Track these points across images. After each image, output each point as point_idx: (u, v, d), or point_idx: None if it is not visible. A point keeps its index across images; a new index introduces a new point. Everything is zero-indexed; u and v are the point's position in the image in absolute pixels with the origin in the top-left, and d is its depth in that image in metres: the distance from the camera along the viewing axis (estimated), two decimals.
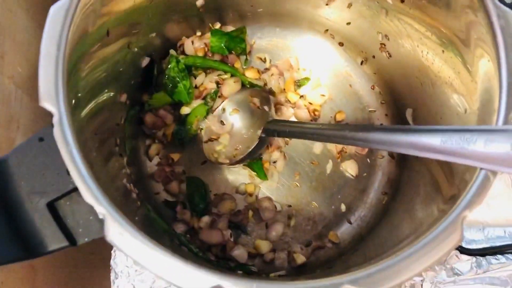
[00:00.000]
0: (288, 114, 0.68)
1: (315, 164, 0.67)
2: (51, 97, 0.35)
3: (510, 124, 0.36)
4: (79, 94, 0.41)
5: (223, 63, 0.67)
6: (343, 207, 0.65)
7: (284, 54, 0.71)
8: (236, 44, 0.66)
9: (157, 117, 0.64)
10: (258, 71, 0.68)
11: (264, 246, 0.62)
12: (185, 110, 0.65)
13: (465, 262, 0.65)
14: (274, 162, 0.67)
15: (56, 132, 0.34)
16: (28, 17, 0.65)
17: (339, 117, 0.68)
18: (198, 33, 0.67)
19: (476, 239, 0.67)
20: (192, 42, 0.66)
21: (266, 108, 0.65)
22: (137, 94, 0.63)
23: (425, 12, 0.49)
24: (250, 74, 0.67)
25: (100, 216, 0.34)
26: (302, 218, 0.65)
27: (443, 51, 0.48)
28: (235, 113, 0.66)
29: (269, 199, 0.65)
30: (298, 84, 0.70)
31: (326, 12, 0.65)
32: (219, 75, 0.66)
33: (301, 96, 0.69)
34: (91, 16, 0.41)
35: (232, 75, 0.67)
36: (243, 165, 0.66)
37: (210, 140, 0.65)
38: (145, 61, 0.61)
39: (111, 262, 0.63)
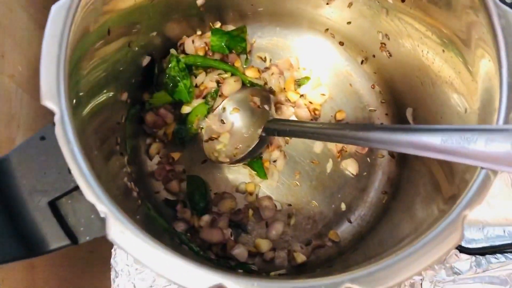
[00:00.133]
0: (288, 113, 0.69)
1: (315, 163, 0.67)
2: (53, 95, 0.35)
3: (510, 123, 0.36)
4: (80, 93, 0.41)
5: (224, 62, 0.67)
6: (343, 206, 0.65)
7: (284, 53, 0.71)
8: (237, 43, 0.66)
9: (157, 116, 0.64)
10: (259, 70, 0.68)
11: (264, 245, 0.62)
12: (185, 109, 0.65)
13: (464, 261, 0.65)
14: (274, 161, 0.67)
15: (58, 130, 0.34)
16: (28, 16, 0.65)
17: (339, 116, 0.68)
18: (199, 32, 0.67)
19: (475, 238, 0.67)
20: (193, 41, 0.66)
21: (266, 107, 0.65)
22: (138, 93, 0.63)
23: (426, 12, 0.49)
24: (251, 73, 0.68)
25: (102, 215, 0.34)
26: (302, 217, 0.65)
27: (443, 50, 0.48)
28: (235, 112, 0.66)
29: (269, 198, 0.65)
30: (298, 83, 0.70)
31: (327, 12, 0.65)
32: (219, 74, 0.66)
33: (301, 95, 0.69)
34: (92, 15, 0.41)
35: (232, 74, 0.67)
36: (243, 164, 0.66)
37: (211, 139, 0.65)
38: (146, 60, 0.61)
39: (112, 260, 0.63)
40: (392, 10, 0.55)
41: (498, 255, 0.66)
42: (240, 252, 0.59)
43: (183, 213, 0.62)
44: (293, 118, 0.69)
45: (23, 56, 0.64)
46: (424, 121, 0.57)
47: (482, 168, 0.36)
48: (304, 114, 0.68)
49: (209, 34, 0.66)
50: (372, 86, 0.69)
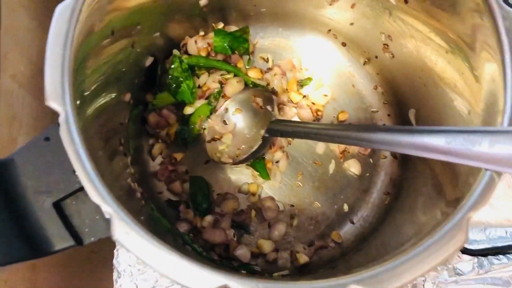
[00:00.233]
0: (291, 114, 0.69)
1: (318, 164, 0.67)
2: (57, 96, 0.35)
3: None
4: (84, 94, 0.41)
5: (226, 63, 0.67)
6: (345, 207, 0.65)
7: (286, 54, 0.71)
8: (239, 44, 0.66)
9: (160, 117, 0.64)
10: (261, 71, 0.68)
11: (266, 245, 0.62)
12: (188, 110, 0.65)
13: (467, 262, 0.65)
14: (277, 162, 0.67)
15: (63, 131, 0.34)
16: (30, 16, 0.66)
17: (342, 117, 0.68)
18: (201, 33, 0.67)
19: (477, 239, 0.67)
20: (196, 42, 0.66)
21: (269, 108, 0.65)
22: (141, 94, 0.63)
23: (430, 14, 0.49)
24: (253, 74, 0.68)
25: (107, 216, 0.34)
26: (304, 218, 0.65)
27: (446, 52, 0.48)
28: (237, 112, 0.66)
29: (272, 198, 0.65)
30: (301, 84, 0.70)
31: (329, 12, 0.65)
32: (222, 75, 0.66)
33: (304, 96, 0.69)
34: (97, 15, 0.41)
35: (235, 75, 0.67)
36: (246, 164, 0.66)
37: (213, 139, 0.65)
38: (149, 61, 0.61)
39: (114, 261, 0.63)
40: (395, 11, 0.55)
41: (500, 256, 0.66)
42: (243, 253, 0.59)
43: (185, 213, 0.62)
44: (296, 118, 0.69)
45: (25, 56, 0.64)
46: (427, 122, 0.57)
47: (486, 169, 0.36)
48: (307, 115, 0.68)
49: (211, 34, 0.66)
50: (375, 87, 0.69)
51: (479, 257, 0.66)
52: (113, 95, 0.52)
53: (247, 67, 0.69)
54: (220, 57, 0.67)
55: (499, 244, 0.66)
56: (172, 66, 0.63)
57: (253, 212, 0.64)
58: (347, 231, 0.64)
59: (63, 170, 0.37)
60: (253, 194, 0.65)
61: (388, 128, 0.48)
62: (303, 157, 0.67)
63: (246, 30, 0.67)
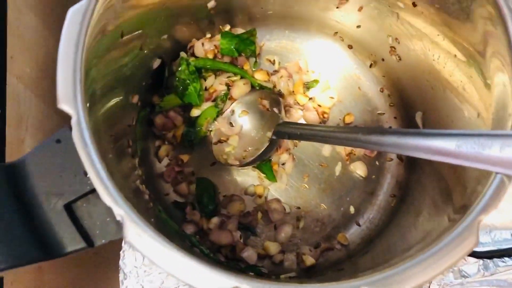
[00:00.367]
0: (297, 116, 0.69)
1: (324, 166, 0.67)
2: (69, 99, 0.35)
3: None
4: (94, 96, 0.41)
5: (233, 65, 0.67)
6: (351, 209, 0.65)
7: (293, 56, 0.71)
8: (246, 46, 0.67)
9: (167, 119, 0.64)
10: (268, 73, 0.68)
11: (273, 247, 0.62)
12: (195, 112, 0.65)
13: (472, 265, 0.65)
14: (283, 164, 0.67)
15: (75, 134, 0.35)
16: (37, 17, 0.66)
17: (348, 119, 0.68)
18: (208, 35, 0.67)
19: (483, 241, 0.67)
20: (202, 44, 0.66)
21: (275, 110, 0.65)
22: (148, 96, 0.63)
23: (439, 18, 0.49)
24: (260, 76, 0.68)
25: (118, 218, 0.34)
26: (310, 220, 0.65)
27: (455, 55, 0.48)
28: (244, 114, 0.66)
29: (278, 200, 0.65)
30: (307, 86, 0.70)
31: (336, 15, 0.66)
32: (228, 77, 0.66)
33: (310, 98, 0.69)
34: (108, 17, 0.41)
35: (241, 77, 0.67)
36: (252, 166, 0.66)
37: (220, 141, 0.65)
38: (156, 63, 0.61)
39: (120, 262, 0.63)
40: (403, 14, 0.55)
41: (506, 259, 0.66)
42: (249, 254, 0.60)
43: (192, 215, 0.62)
44: (302, 121, 0.69)
45: (31, 58, 0.64)
46: (434, 125, 0.57)
47: (497, 173, 0.36)
48: (313, 117, 0.68)
49: (218, 37, 0.66)
50: (381, 90, 0.69)
51: (485, 259, 0.65)
52: (122, 97, 0.53)
53: (253, 69, 0.69)
54: (226, 59, 0.67)
55: (505, 247, 0.66)
56: (179, 68, 0.63)
57: (259, 214, 0.64)
58: (353, 233, 0.64)
59: (74, 172, 0.37)
60: (259, 196, 0.65)
61: (398, 131, 0.48)
62: (309, 159, 0.68)
63: (253, 32, 0.67)
